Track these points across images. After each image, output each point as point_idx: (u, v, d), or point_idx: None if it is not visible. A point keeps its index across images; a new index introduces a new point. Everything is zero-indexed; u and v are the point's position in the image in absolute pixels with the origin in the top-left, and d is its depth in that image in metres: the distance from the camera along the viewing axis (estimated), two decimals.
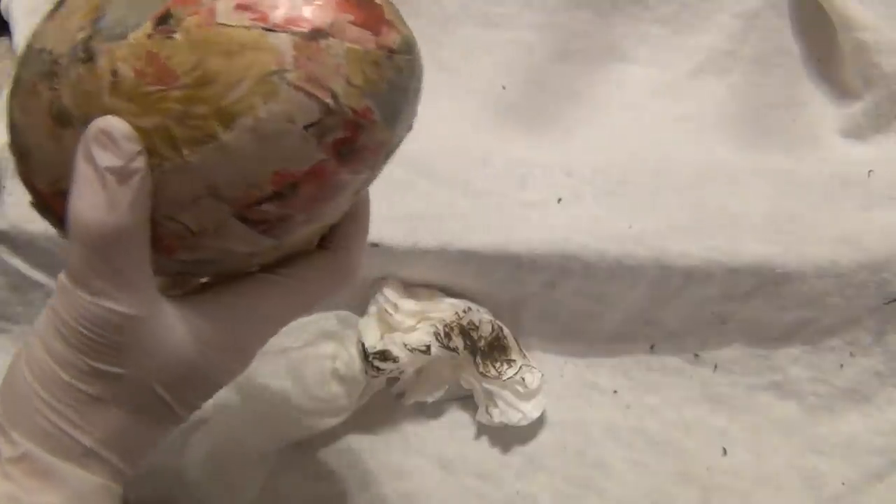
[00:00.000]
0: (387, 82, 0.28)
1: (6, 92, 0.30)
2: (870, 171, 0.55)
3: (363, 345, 0.49)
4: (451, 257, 0.50)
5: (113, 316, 0.27)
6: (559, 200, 0.53)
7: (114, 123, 0.26)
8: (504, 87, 0.58)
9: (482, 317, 0.51)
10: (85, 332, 0.27)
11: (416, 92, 0.31)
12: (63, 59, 0.28)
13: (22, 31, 0.55)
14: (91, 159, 0.26)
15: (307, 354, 0.50)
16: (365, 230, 0.35)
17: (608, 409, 0.52)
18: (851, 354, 0.52)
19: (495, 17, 0.59)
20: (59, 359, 0.27)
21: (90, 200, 0.27)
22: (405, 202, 0.52)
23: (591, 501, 0.49)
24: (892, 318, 0.52)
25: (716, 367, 0.53)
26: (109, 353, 0.28)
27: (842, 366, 0.52)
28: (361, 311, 0.52)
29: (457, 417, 0.52)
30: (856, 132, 0.58)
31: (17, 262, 0.51)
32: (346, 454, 0.50)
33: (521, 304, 0.53)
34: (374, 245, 0.50)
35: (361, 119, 0.28)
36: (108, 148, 0.26)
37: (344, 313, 0.51)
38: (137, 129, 0.27)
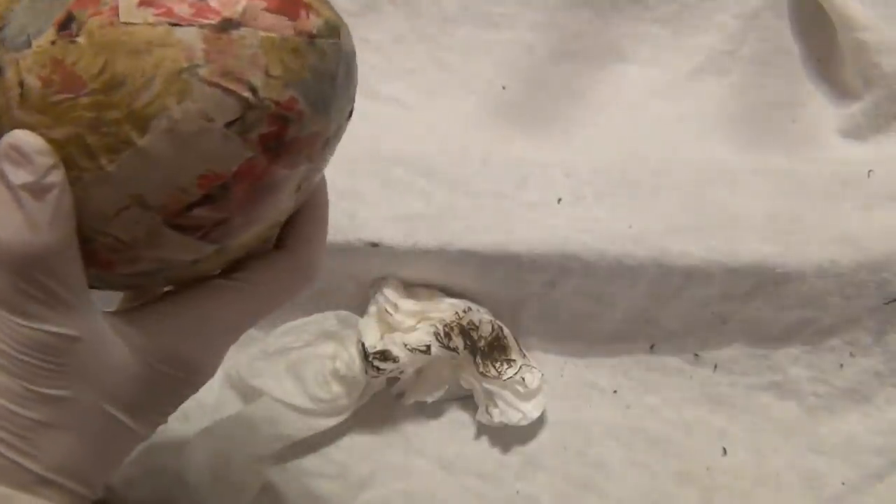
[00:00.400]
0: (310, 70, 0.26)
1: None
2: (870, 171, 0.55)
3: (363, 345, 0.49)
4: (451, 257, 0.50)
5: (50, 338, 0.26)
6: (559, 200, 0.53)
7: (23, 138, 0.25)
8: (504, 87, 0.58)
9: (482, 317, 0.51)
10: (22, 357, 0.26)
11: (348, 76, 0.29)
12: None
13: None
14: (3, 177, 0.25)
15: (307, 354, 0.50)
16: (324, 225, 0.34)
17: (608, 409, 0.52)
18: (851, 354, 0.52)
19: (495, 17, 0.59)
20: (0, 388, 0.26)
21: (8, 221, 0.25)
22: (405, 202, 0.52)
23: (591, 501, 0.49)
24: (892, 318, 0.52)
25: (716, 367, 0.53)
26: (51, 377, 0.26)
27: (842, 366, 0.52)
28: (361, 311, 0.52)
29: (457, 417, 0.52)
30: (856, 132, 0.58)
31: None
32: (346, 454, 0.50)
33: (521, 304, 0.53)
34: (374, 245, 0.50)
35: (286, 111, 0.26)
36: (20, 164, 0.25)
37: (344, 313, 0.51)
38: (51, 141, 0.25)
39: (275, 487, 0.48)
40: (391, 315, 0.50)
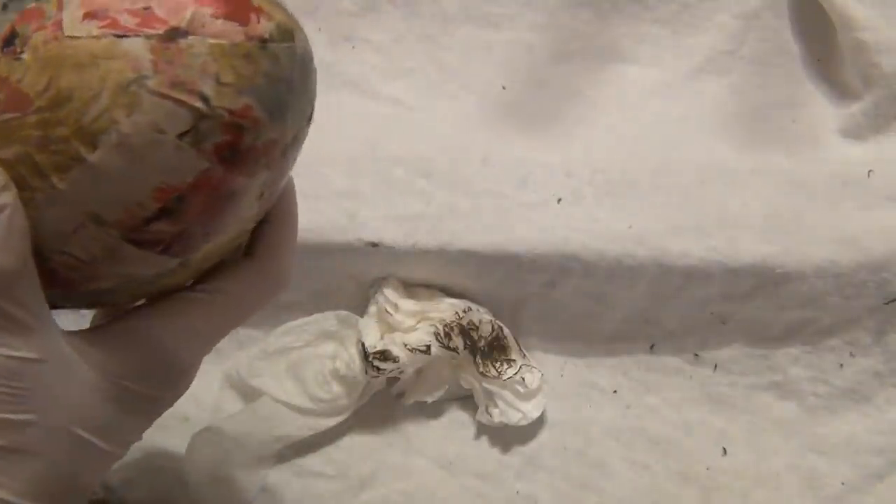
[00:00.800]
0: (263, 75, 0.26)
1: None
2: (870, 171, 0.55)
3: (363, 345, 0.49)
4: (451, 257, 0.50)
5: (10, 362, 0.25)
6: (559, 200, 0.53)
7: None
8: (504, 87, 0.58)
9: (482, 317, 0.51)
10: None
11: (304, 80, 0.28)
12: None
13: None
14: None
15: (307, 354, 0.50)
16: (291, 233, 0.33)
17: (608, 409, 0.52)
18: (851, 354, 0.52)
19: (495, 17, 0.59)
20: None
21: None
22: (405, 202, 0.52)
23: (591, 501, 0.49)
24: (891, 318, 0.52)
25: (716, 367, 0.53)
26: (14, 402, 0.26)
27: (841, 366, 0.52)
28: (361, 311, 0.52)
29: (457, 417, 0.52)
30: (856, 132, 0.58)
31: None
32: (346, 454, 0.50)
33: (521, 304, 0.53)
34: (374, 245, 0.50)
35: (241, 119, 0.26)
36: None
37: (344, 313, 0.51)
38: (1, 161, 0.25)
39: (275, 487, 0.48)
40: (391, 315, 0.50)
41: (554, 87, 0.59)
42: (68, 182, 0.25)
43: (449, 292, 0.52)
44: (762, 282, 0.51)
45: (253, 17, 0.26)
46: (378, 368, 0.48)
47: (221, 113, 0.25)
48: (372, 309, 0.51)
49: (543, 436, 0.51)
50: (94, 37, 0.24)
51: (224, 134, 0.25)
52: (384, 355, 0.48)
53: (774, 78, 0.59)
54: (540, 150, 0.56)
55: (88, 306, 0.30)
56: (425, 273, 0.52)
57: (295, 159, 0.30)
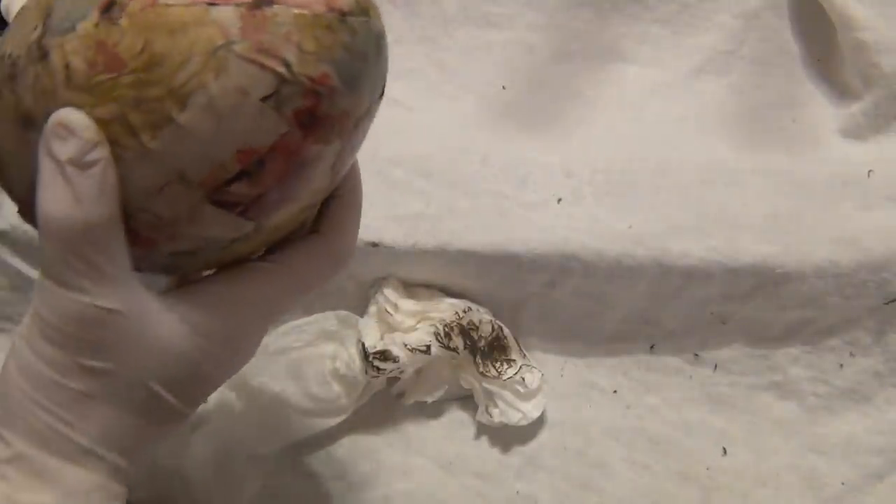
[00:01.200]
0: (342, 47, 0.27)
1: None
2: (870, 171, 0.55)
3: (363, 345, 0.49)
4: (451, 257, 0.51)
5: (93, 311, 0.27)
6: (559, 200, 0.53)
7: (70, 115, 0.26)
8: (504, 87, 0.58)
9: (482, 317, 0.51)
10: (67, 328, 0.27)
11: (379, 56, 0.29)
12: (21, 61, 0.27)
13: None
14: (52, 154, 0.26)
15: (307, 354, 0.50)
16: (357, 211, 0.35)
17: (608, 409, 0.52)
18: (851, 354, 0.52)
19: (495, 18, 0.59)
20: (46, 357, 0.27)
21: (55, 195, 0.26)
22: (405, 202, 0.52)
23: (591, 501, 0.49)
24: (891, 318, 0.52)
25: (716, 367, 0.53)
26: (93, 349, 0.27)
27: (841, 366, 0.52)
28: (361, 311, 0.52)
29: (457, 417, 0.52)
30: (856, 132, 0.58)
31: (17, 262, 0.51)
32: (346, 454, 0.50)
33: (521, 304, 0.53)
34: (374, 245, 0.50)
35: (319, 86, 0.27)
36: (67, 140, 0.26)
37: (344, 313, 0.51)
38: (96, 119, 0.26)
39: (275, 487, 0.48)
40: (391, 315, 0.50)
41: (554, 87, 0.59)
42: (158, 141, 0.26)
43: (449, 292, 0.52)
44: (762, 282, 0.51)
45: None
46: (378, 368, 0.48)
47: (302, 79, 0.27)
48: (372, 309, 0.51)
49: (543, 436, 0.51)
50: (186, 5, 0.26)
51: (304, 99, 0.27)
52: (384, 355, 0.48)
53: (774, 78, 0.59)
54: (540, 150, 0.56)
55: (163, 270, 0.31)
56: (425, 273, 0.52)
57: (365, 135, 0.31)
